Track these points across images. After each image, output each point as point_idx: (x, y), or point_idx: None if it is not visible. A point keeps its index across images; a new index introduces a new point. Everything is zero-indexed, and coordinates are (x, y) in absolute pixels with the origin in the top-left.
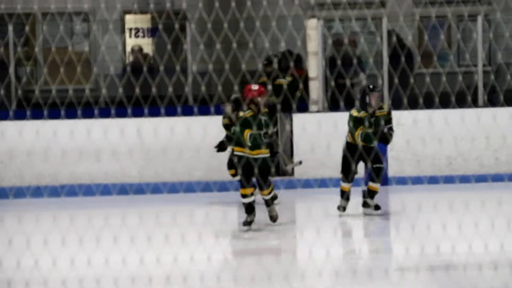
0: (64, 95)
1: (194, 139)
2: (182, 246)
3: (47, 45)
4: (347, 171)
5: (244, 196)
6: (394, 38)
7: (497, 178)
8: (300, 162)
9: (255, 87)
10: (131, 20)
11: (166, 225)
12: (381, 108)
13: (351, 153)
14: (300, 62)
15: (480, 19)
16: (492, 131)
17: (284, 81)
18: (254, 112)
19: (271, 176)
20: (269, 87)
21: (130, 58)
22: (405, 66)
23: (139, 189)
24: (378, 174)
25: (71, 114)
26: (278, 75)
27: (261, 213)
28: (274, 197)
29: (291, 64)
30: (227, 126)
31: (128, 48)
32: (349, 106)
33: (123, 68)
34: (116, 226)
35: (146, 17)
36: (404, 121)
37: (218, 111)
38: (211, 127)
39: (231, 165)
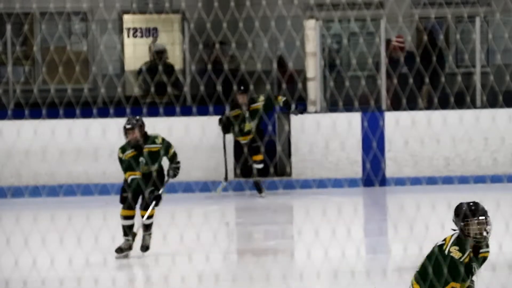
0: (63, 95)
1: (192, 139)
2: (180, 246)
3: (45, 45)
4: None
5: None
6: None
7: (495, 179)
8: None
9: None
10: (129, 20)
11: (164, 225)
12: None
13: None
14: (283, 63)
15: (478, 20)
16: (491, 132)
17: (259, 104)
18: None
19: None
20: (246, 114)
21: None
22: (389, 68)
23: None
24: None
25: (69, 114)
26: (254, 99)
27: (258, 215)
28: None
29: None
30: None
31: (127, 48)
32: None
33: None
34: (113, 226)
35: (145, 17)
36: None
37: (217, 111)
38: (210, 127)
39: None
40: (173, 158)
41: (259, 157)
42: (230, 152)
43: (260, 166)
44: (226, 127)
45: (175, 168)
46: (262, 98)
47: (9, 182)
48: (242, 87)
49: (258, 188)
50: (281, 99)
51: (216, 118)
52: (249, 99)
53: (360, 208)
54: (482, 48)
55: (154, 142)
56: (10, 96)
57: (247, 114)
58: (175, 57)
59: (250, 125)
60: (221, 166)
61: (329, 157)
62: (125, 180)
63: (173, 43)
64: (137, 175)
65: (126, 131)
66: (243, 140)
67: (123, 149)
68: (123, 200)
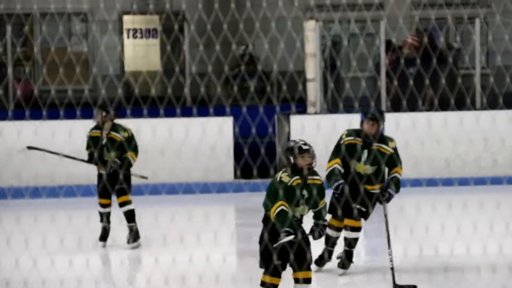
0: (63, 96)
1: (192, 140)
2: (180, 247)
3: (46, 45)
4: None
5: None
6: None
7: (496, 180)
8: (144, 177)
9: None
10: (129, 21)
11: (165, 226)
12: None
13: None
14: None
15: (478, 21)
16: (491, 134)
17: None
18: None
19: None
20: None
21: None
22: (404, 69)
23: (137, 190)
24: None
25: (69, 115)
26: (116, 127)
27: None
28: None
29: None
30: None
31: (127, 49)
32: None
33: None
34: (114, 227)
35: (145, 18)
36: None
37: (217, 112)
38: (210, 128)
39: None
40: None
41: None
42: (230, 154)
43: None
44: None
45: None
46: None
47: (9, 183)
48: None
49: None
50: None
51: (217, 120)
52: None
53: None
54: (482, 50)
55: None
56: (10, 97)
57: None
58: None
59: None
60: (221, 167)
61: None
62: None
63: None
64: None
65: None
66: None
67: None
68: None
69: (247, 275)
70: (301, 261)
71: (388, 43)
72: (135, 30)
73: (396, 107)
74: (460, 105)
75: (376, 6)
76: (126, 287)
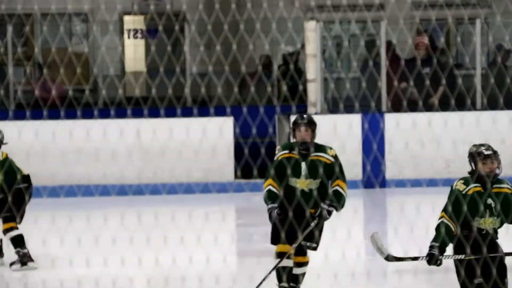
0: (64, 96)
1: (193, 141)
2: (180, 247)
3: (46, 46)
4: None
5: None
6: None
7: None
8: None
9: None
10: (130, 21)
11: (165, 226)
12: None
13: None
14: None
15: (479, 22)
16: (491, 134)
17: None
18: None
19: None
20: None
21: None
22: (404, 69)
23: (138, 190)
24: None
25: (70, 115)
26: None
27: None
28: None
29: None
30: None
31: (128, 49)
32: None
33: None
34: (114, 227)
35: (146, 18)
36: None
37: (218, 113)
38: (210, 129)
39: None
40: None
41: None
42: (231, 154)
43: None
44: None
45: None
46: None
47: None
48: None
49: None
50: None
51: (217, 120)
52: None
53: (360, 210)
54: (483, 51)
55: None
56: (11, 97)
57: None
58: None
59: None
60: (222, 167)
61: None
62: None
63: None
64: None
65: None
66: None
67: None
68: None
69: (247, 275)
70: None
71: (389, 44)
72: (135, 31)
73: (396, 108)
74: (461, 106)
75: (377, 7)
76: (127, 287)
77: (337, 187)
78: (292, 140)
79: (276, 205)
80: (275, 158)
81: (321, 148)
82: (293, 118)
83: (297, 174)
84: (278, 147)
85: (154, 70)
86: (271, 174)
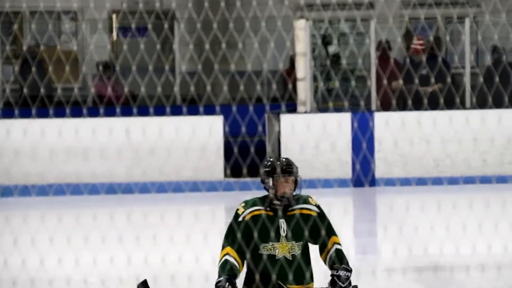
0: (52, 94)
1: (182, 139)
2: (170, 246)
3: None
4: None
5: None
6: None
7: (485, 180)
8: None
9: None
10: (119, 19)
11: (154, 225)
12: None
13: None
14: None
15: (468, 21)
16: (480, 133)
17: None
18: None
19: None
20: None
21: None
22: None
23: (127, 189)
24: None
25: (59, 113)
26: None
27: None
28: None
29: None
30: None
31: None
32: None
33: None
34: (104, 226)
35: (135, 17)
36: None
37: (207, 111)
38: (200, 127)
39: None
40: None
41: None
42: (220, 153)
43: None
44: None
45: None
46: None
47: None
48: None
49: None
50: None
51: (207, 118)
52: None
53: (349, 209)
54: (472, 49)
55: None
56: None
57: None
58: None
59: None
60: (211, 166)
61: (319, 158)
62: None
63: None
64: None
65: None
66: None
67: None
68: None
69: None
70: None
71: (378, 43)
72: (125, 29)
73: (385, 107)
74: (450, 105)
75: (366, 5)
76: (115, 286)
77: (336, 246)
78: (271, 192)
79: (227, 277)
80: (239, 219)
81: (300, 198)
82: (282, 116)
83: (275, 236)
84: (242, 204)
85: (143, 69)
86: (229, 242)
